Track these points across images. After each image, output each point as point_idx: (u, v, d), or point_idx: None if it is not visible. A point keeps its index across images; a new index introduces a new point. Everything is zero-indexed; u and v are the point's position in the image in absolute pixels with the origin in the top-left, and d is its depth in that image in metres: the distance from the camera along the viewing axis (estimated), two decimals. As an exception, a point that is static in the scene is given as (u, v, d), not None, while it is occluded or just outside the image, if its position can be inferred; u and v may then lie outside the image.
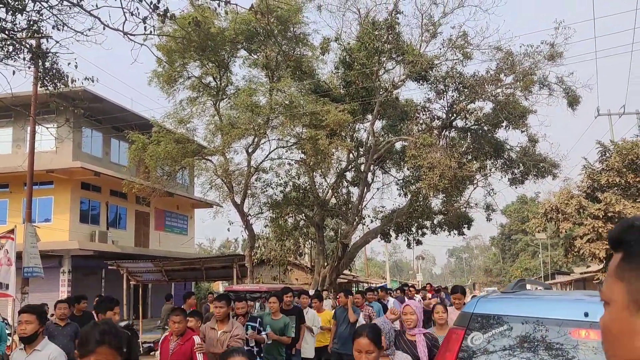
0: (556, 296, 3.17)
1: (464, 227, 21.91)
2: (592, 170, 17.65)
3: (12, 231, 15.28)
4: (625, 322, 0.90)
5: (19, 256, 15.39)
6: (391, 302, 13.26)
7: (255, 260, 20.85)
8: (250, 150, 19.20)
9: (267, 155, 20.13)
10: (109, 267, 19.91)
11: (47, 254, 19.61)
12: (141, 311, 19.67)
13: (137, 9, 6.94)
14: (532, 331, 2.74)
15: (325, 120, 16.78)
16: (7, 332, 11.80)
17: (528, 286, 3.31)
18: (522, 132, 19.33)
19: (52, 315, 9.64)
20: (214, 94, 18.98)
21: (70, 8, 7.22)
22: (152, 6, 6.90)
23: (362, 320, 9.61)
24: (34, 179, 18.10)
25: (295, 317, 9.39)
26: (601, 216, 16.08)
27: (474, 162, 19.38)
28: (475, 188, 20.58)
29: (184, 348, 6.13)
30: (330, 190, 21.48)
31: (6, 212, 24.52)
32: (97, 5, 7.04)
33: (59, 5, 7.26)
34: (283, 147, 19.99)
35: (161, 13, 6.96)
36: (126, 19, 6.34)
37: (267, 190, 21.19)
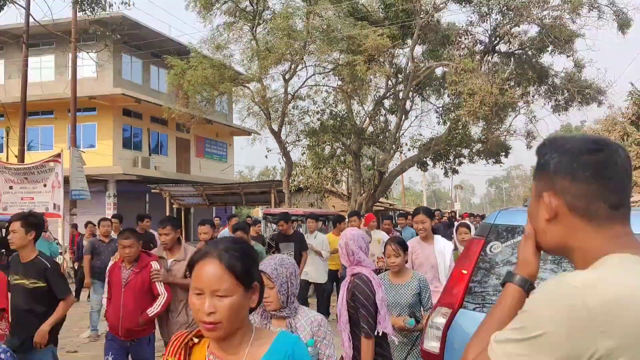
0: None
1: (502, 156, 21.62)
2: (638, 96, 17.02)
3: (59, 155, 15.87)
4: (534, 207, 1.28)
5: (66, 180, 16.09)
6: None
7: (293, 188, 21.19)
8: (287, 77, 19.12)
9: (304, 82, 20.03)
10: (152, 191, 20.59)
11: (92, 179, 20.36)
12: (184, 234, 20.48)
13: None
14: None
15: (364, 45, 16.48)
16: (60, 251, 12.51)
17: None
18: (568, 57, 18.64)
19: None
20: (251, 18, 18.76)
21: None
22: None
23: (379, 246, 9.03)
24: (77, 106, 18.59)
25: (294, 243, 9.07)
26: (646, 143, 15.66)
27: (517, 88, 18.87)
28: (517, 115, 20.17)
29: (142, 277, 5.00)
30: (367, 118, 21.35)
31: (52, 138, 25.37)
32: None
33: None
34: (320, 74, 19.83)
35: None
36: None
37: (304, 118, 21.22)
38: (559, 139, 1.24)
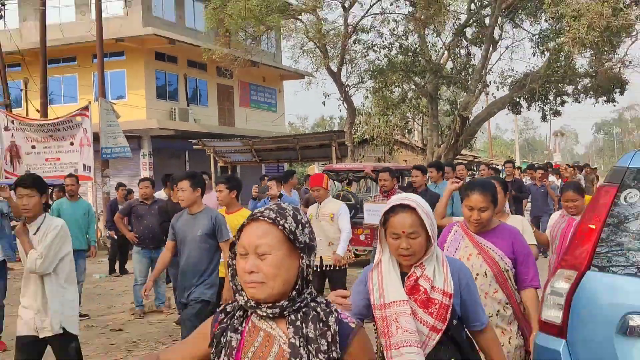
0: None
1: (616, 93, 20.86)
2: None
3: (86, 108, 16.40)
4: None
5: (95, 137, 16.59)
6: None
7: (356, 139, 21.17)
8: (346, 5, 18.91)
9: (368, 10, 19.74)
10: (194, 147, 20.96)
11: (124, 135, 20.92)
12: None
13: None
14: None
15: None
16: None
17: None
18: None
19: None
20: None
21: None
22: None
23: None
24: (103, 50, 18.97)
25: None
26: None
27: (634, 7, 18.01)
28: (633, 42, 19.33)
29: None
30: (446, 52, 20.94)
31: (76, 89, 26.05)
32: None
33: None
34: (387, -1, 19.51)
35: None
36: None
37: (368, 55, 21.00)
38: None
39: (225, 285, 5.95)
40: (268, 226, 1.76)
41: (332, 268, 7.39)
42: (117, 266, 13.76)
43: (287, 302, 1.77)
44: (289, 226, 1.75)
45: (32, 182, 4.68)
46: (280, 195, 8.83)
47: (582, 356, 2.79)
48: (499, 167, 17.64)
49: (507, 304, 3.65)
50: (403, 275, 2.76)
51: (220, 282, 6.09)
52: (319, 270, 7.33)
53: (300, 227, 1.78)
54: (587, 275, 2.80)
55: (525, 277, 3.66)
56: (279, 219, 1.75)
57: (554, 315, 2.88)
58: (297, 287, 1.78)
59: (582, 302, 2.81)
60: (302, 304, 1.79)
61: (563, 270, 2.88)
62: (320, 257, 7.34)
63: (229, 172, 20.81)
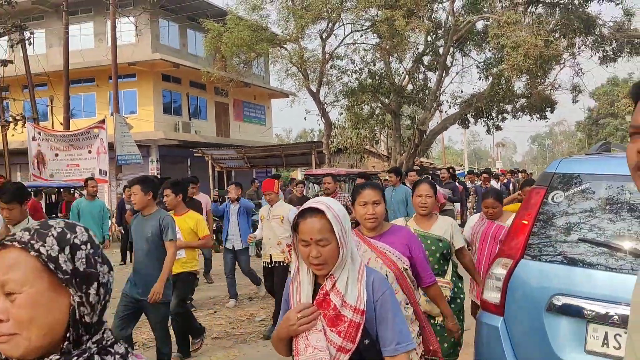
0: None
1: (547, 111, 21.08)
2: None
3: (102, 122, 16.26)
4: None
5: (110, 146, 16.45)
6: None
7: (332, 149, 21.16)
8: (324, 36, 18.90)
9: (342, 40, 19.78)
10: (195, 154, 20.85)
11: (136, 144, 20.69)
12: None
13: None
14: (617, 189, 2.72)
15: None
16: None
17: (613, 150, 3.22)
18: (617, 5, 17.85)
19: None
20: (287, -24, 18.49)
21: None
22: None
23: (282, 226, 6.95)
24: (117, 72, 18.79)
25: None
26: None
27: (562, 40, 18.22)
28: (562, 68, 19.56)
29: None
30: (406, 76, 20.99)
31: (94, 105, 25.77)
32: None
33: None
34: (358, 31, 19.52)
35: None
36: None
37: (342, 78, 21.01)
38: None
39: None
40: (18, 253, 1.09)
41: (278, 264, 6.78)
42: (128, 256, 13.63)
43: (58, 357, 1.09)
44: (48, 251, 1.09)
45: (11, 196, 4.43)
46: (239, 199, 8.21)
47: (517, 330, 2.80)
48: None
49: (407, 303, 3.11)
50: (319, 287, 2.14)
51: (172, 280, 5.41)
52: (269, 267, 6.85)
53: (67, 251, 1.11)
54: (521, 263, 2.82)
55: (424, 275, 3.20)
56: (33, 242, 1.09)
57: (493, 296, 2.90)
58: (69, 334, 1.10)
59: (516, 285, 2.82)
60: (84, 358, 1.10)
61: (501, 258, 2.90)
62: (270, 255, 6.86)
63: (225, 177, 20.70)
